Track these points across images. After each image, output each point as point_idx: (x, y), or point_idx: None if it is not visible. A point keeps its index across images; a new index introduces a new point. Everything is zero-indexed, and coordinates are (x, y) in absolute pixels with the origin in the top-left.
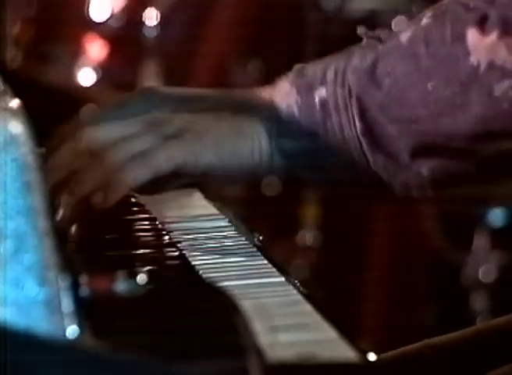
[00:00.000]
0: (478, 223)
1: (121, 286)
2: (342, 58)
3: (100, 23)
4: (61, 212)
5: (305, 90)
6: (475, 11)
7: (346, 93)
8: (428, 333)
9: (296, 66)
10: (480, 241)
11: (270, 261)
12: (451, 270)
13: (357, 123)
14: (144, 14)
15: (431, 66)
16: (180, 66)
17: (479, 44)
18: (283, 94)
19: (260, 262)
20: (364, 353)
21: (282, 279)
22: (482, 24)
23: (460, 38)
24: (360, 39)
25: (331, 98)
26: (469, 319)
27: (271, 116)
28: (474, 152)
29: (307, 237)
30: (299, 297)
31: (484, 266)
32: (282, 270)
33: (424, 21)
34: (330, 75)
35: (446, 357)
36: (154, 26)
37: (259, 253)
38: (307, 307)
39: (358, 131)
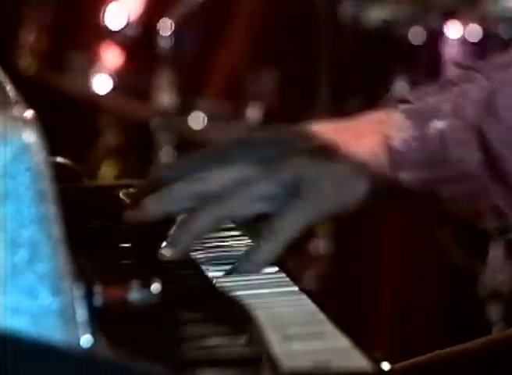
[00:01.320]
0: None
1: (135, 295)
2: (452, 89)
3: (115, 32)
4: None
5: (421, 123)
6: None
7: (465, 125)
8: (442, 343)
9: (399, 97)
10: (495, 251)
11: (284, 270)
12: (466, 280)
13: (478, 156)
14: (158, 24)
15: None
16: (194, 76)
17: None
18: (397, 126)
19: (273, 272)
20: (377, 362)
21: (296, 288)
22: None
23: None
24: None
25: (449, 130)
26: (485, 329)
27: (384, 151)
28: None
29: (320, 246)
30: (312, 306)
31: (499, 276)
32: (296, 280)
33: None
34: (446, 107)
35: (460, 368)
36: (169, 35)
37: (272, 262)
38: (321, 316)
39: (479, 164)
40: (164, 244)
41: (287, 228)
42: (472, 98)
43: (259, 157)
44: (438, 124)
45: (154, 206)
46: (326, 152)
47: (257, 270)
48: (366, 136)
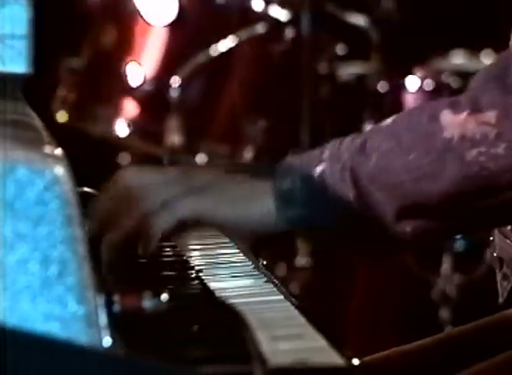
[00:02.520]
0: (445, 249)
1: (148, 303)
2: (336, 140)
3: (133, 87)
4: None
5: (307, 165)
6: (447, 99)
7: (340, 167)
8: (402, 341)
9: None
10: (446, 264)
11: (271, 282)
12: (422, 288)
13: (351, 192)
14: (169, 79)
15: (411, 141)
16: (198, 122)
17: (452, 122)
18: (287, 166)
19: (262, 283)
20: (349, 359)
21: (281, 297)
22: (455, 106)
23: (436, 118)
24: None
25: (328, 171)
26: (437, 328)
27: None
28: (451, 212)
29: (302, 261)
30: (295, 312)
31: (449, 285)
32: (281, 289)
33: (404, 112)
34: (327, 153)
35: (415, 360)
36: (178, 89)
37: (262, 275)
38: (302, 320)
39: (352, 199)
40: None
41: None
42: (347, 144)
43: None
44: (318, 167)
45: None
46: (237, 177)
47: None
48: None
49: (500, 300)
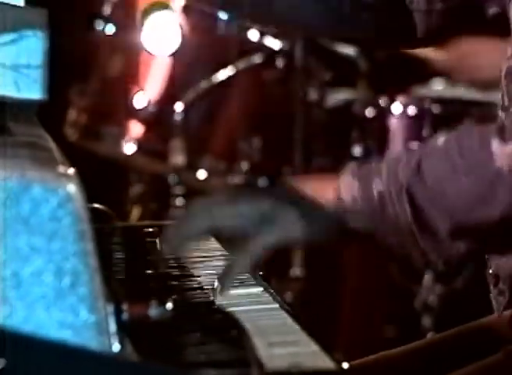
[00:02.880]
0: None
1: (153, 312)
2: (392, 158)
3: (140, 109)
4: None
5: (365, 184)
6: (496, 122)
7: (398, 188)
8: (388, 346)
9: (352, 164)
10: (428, 276)
11: (267, 291)
12: (406, 297)
13: (408, 212)
14: (173, 104)
15: (464, 167)
16: (200, 142)
17: (501, 152)
18: (347, 186)
19: (260, 292)
20: (339, 363)
21: (277, 305)
22: (502, 134)
23: (486, 146)
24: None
25: (386, 191)
26: (420, 334)
27: (338, 205)
28: (499, 235)
29: (296, 272)
30: (289, 320)
31: (431, 295)
32: (276, 298)
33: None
34: (385, 173)
35: (400, 364)
36: (181, 112)
37: (259, 285)
38: (296, 327)
39: (409, 218)
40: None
41: (258, 245)
42: (404, 165)
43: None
44: (377, 186)
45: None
46: (297, 198)
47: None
48: (326, 191)
49: (496, 314)
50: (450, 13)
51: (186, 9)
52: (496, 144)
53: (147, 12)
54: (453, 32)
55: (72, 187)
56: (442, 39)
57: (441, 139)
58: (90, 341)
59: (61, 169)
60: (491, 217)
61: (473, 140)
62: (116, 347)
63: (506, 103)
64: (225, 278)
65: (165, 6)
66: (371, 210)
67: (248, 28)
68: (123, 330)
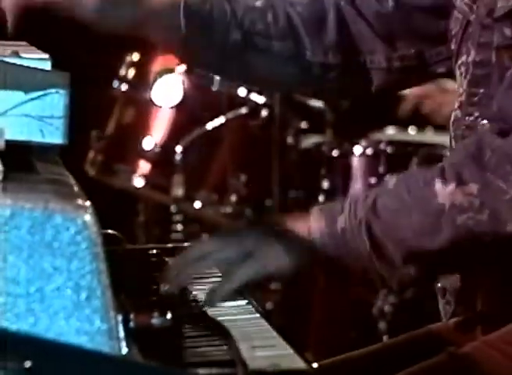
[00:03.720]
0: None
1: (156, 321)
2: (351, 198)
3: (147, 151)
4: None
5: (330, 221)
6: (436, 167)
7: (357, 223)
8: (350, 347)
9: (320, 206)
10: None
11: (250, 303)
12: (366, 306)
13: (367, 243)
14: (175, 146)
15: (412, 204)
16: (196, 178)
17: (443, 192)
18: (316, 224)
19: (244, 304)
20: (309, 363)
21: (258, 315)
22: (443, 175)
23: (430, 185)
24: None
25: (348, 227)
26: (377, 338)
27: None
28: (447, 261)
29: (275, 285)
30: (268, 326)
31: (386, 303)
32: (258, 309)
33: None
34: (346, 211)
35: (360, 364)
36: (180, 154)
37: (243, 298)
38: (274, 333)
39: (368, 248)
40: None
41: (238, 277)
42: (361, 202)
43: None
44: (340, 224)
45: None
46: (278, 234)
47: (215, 303)
48: (302, 229)
49: (444, 320)
50: (406, 71)
51: (187, 71)
52: (438, 185)
53: (157, 76)
54: (407, 85)
55: (88, 217)
56: (396, 91)
57: (393, 179)
58: (102, 345)
59: (79, 201)
60: (437, 247)
61: (419, 180)
62: (124, 350)
63: (453, 146)
64: (209, 301)
65: (171, 70)
66: (336, 244)
67: (237, 86)
68: (130, 336)
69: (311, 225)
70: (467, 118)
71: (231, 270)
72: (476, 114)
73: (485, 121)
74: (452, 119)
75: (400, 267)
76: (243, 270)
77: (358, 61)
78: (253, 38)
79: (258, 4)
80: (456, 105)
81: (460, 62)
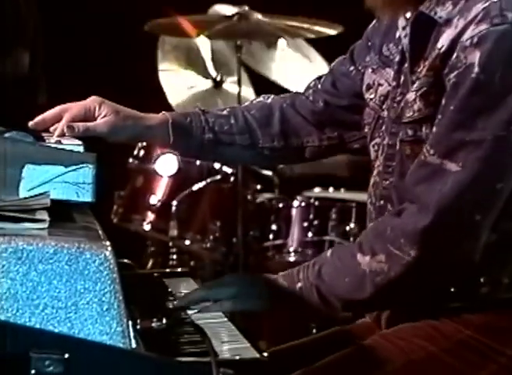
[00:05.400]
0: None
1: (155, 324)
2: (305, 265)
3: (153, 205)
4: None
5: (291, 283)
6: (357, 242)
7: (309, 285)
8: (289, 339)
9: (282, 273)
10: None
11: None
12: None
13: (317, 298)
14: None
15: (344, 271)
16: (186, 224)
17: (363, 261)
18: (282, 282)
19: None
20: (261, 352)
21: (226, 319)
22: (361, 248)
23: (354, 257)
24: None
25: (304, 288)
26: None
27: (274, 287)
28: (372, 306)
29: None
30: (233, 327)
31: None
32: (226, 315)
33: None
34: (301, 276)
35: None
36: (175, 206)
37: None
38: (237, 332)
39: (318, 302)
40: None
41: (223, 307)
42: (311, 270)
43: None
44: (298, 284)
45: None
46: (257, 285)
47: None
48: (271, 285)
49: (367, 318)
50: (330, 147)
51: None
52: (359, 256)
53: (159, 155)
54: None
55: (108, 253)
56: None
57: (329, 251)
58: (118, 342)
59: (102, 242)
60: (364, 298)
61: (346, 252)
62: (133, 346)
63: (374, 201)
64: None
65: (169, 152)
66: (296, 299)
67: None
68: (138, 335)
69: (279, 285)
70: (383, 182)
71: (220, 304)
72: (391, 179)
73: (403, 205)
74: (371, 182)
75: (340, 312)
76: (227, 304)
77: (297, 142)
78: (221, 136)
79: (224, 112)
80: (375, 172)
81: (373, 142)
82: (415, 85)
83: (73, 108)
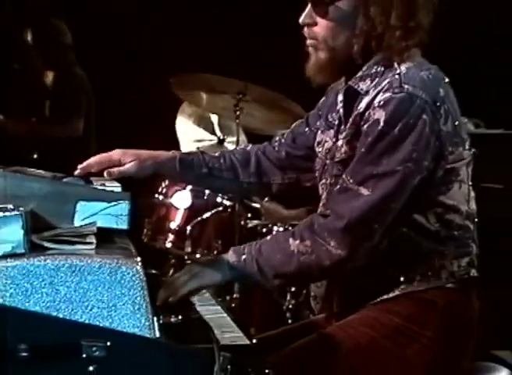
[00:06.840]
0: None
1: (173, 319)
2: (251, 244)
3: (172, 229)
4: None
5: (238, 257)
6: (291, 230)
7: (251, 258)
8: (272, 328)
9: (234, 247)
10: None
11: (222, 307)
12: (280, 304)
13: (256, 269)
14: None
15: (278, 249)
16: (197, 242)
17: (293, 244)
18: (231, 258)
19: (218, 308)
20: (251, 339)
21: (225, 314)
22: (294, 235)
23: (287, 240)
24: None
25: (248, 259)
26: (284, 323)
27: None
28: (297, 278)
29: (236, 295)
30: (229, 319)
31: (290, 303)
32: (224, 309)
33: (273, 234)
34: (246, 251)
35: (278, 337)
36: (190, 229)
37: (216, 303)
38: (233, 324)
39: (257, 273)
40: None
41: (187, 287)
42: (254, 247)
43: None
44: (243, 257)
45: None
46: (212, 262)
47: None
48: (223, 260)
49: (317, 315)
50: (290, 185)
51: (191, 190)
52: (291, 240)
53: (176, 191)
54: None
55: (138, 267)
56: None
57: (270, 236)
58: (146, 334)
59: (134, 258)
60: (292, 270)
61: (281, 237)
62: (157, 335)
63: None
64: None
65: (184, 188)
66: (242, 268)
67: (216, 196)
68: (160, 328)
69: (229, 258)
70: (322, 209)
71: (182, 283)
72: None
73: (328, 211)
74: (319, 211)
75: (272, 281)
76: (190, 283)
77: (266, 180)
78: (213, 171)
79: (217, 154)
80: (321, 204)
81: (322, 182)
82: (343, 135)
83: (103, 156)
